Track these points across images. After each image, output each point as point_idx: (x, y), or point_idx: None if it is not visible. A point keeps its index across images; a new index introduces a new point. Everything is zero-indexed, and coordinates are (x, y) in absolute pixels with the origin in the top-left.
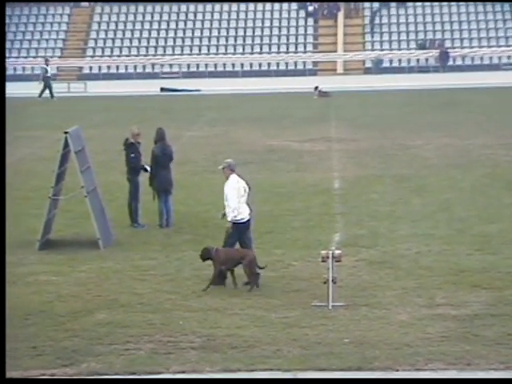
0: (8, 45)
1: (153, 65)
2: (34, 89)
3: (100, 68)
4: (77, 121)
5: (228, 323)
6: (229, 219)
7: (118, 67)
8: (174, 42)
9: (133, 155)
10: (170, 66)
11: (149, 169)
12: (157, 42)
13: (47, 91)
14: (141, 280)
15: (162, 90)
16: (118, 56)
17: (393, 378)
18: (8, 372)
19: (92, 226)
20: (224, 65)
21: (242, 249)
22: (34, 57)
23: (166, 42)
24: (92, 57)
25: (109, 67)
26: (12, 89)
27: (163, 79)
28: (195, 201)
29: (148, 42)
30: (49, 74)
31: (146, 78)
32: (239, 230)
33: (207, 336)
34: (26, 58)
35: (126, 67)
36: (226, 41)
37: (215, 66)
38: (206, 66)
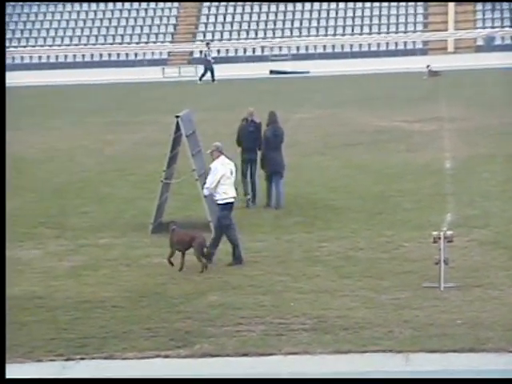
0: (120, 31)
1: (262, 47)
2: (145, 74)
3: None
4: (188, 104)
5: (339, 305)
6: (204, 194)
7: (227, 51)
8: (283, 24)
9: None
10: (280, 48)
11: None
12: (266, 25)
13: (208, 74)
14: (251, 262)
15: (272, 72)
16: (228, 39)
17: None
18: (124, 353)
19: (203, 209)
20: (333, 46)
21: (194, 232)
22: (145, 42)
23: (275, 24)
24: (202, 41)
25: (219, 51)
26: (126, 75)
27: (272, 62)
28: (305, 182)
29: (257, 25)
30: (209, 58)
31: (255, 61)
32: (226, 210)
33: (318, 317)
34: (137, 43)
35: (236, 50)
36: (335, 22)
37: (324, 47)
38: (315, 47)
